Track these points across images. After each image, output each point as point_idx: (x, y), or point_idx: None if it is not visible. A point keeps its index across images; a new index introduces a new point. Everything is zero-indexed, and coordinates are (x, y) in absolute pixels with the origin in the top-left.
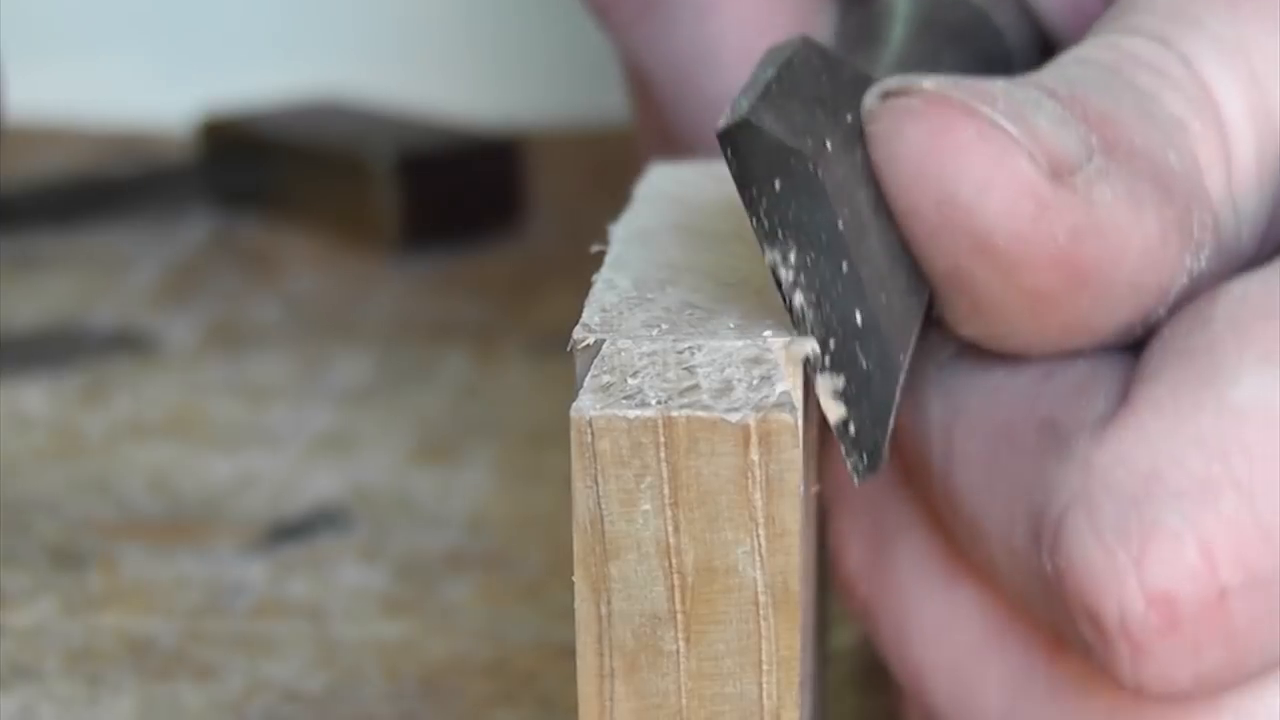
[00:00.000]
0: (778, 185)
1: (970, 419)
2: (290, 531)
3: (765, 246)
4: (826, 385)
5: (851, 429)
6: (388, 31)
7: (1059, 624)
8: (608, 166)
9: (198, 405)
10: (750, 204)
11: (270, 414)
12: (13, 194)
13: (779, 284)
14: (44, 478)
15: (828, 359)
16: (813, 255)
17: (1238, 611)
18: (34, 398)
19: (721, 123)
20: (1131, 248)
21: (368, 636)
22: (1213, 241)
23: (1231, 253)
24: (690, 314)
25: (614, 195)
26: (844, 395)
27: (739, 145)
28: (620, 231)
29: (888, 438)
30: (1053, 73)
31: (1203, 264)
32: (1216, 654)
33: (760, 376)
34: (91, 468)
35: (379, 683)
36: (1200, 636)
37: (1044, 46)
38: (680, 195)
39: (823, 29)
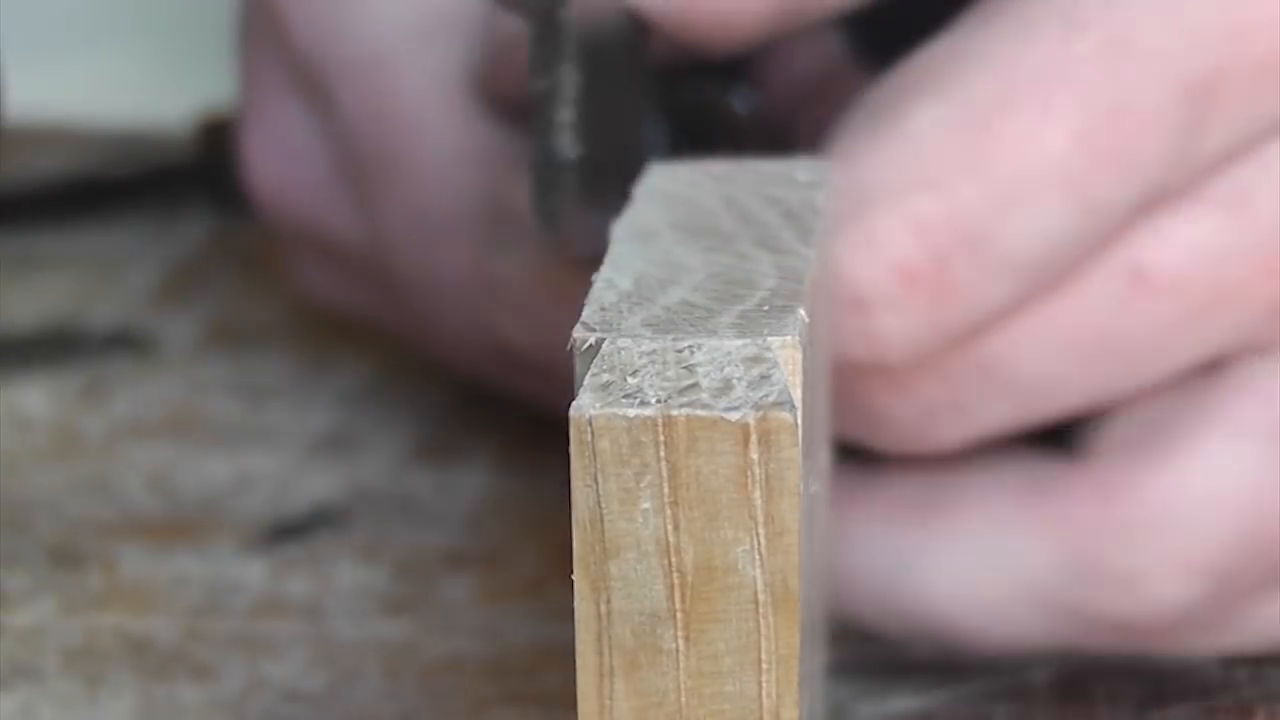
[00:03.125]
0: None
1: None
2: (289, 531)
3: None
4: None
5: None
6: None
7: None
8: None
9: (197, 405)
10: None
11: (270, 414)
12: (13, 194)
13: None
14: (44, 478)
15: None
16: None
17: (954, 267)
18: (34, 398)
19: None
20: None
21: (367, 636)
22: None
23: None
24: (690, 313)
25: None
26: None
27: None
28: (620, 231)
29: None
30: None
31: None
32: (949, 303)
33: (760, 375)
34: (91, 468)
35: (378, 682)
36: (933, 289)
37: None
38: (680, 195)
39: None
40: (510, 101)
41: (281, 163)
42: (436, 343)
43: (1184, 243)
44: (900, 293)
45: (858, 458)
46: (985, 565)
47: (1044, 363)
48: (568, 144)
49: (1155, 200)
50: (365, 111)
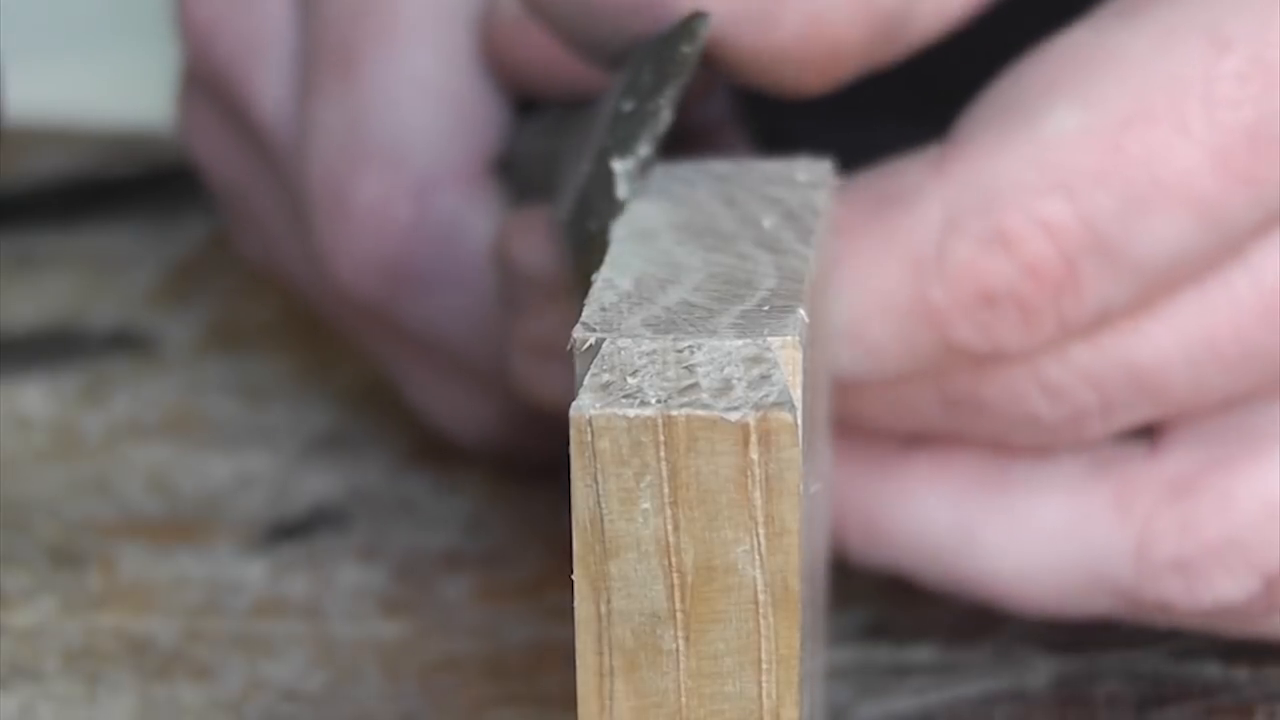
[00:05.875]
0: None
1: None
2: (289, 531)
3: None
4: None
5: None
6: None
7: (944, 363)
8: None
9: (197, 405)
10: None
11: (270, 414)
12: (13, 194)
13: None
14: (44, 478)
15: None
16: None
17: (1081, 271)
18: (34, 398)
19: None
20: None
21: (366, 636)
22: None
23: None
24: (690, 313)
25: None
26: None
27: None
28: (620, 231)
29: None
30: None
31: None
32: (1071, 303)
33: (760, 375)
34: (91, 468)
35: (378, 682)
36: (1059, 289)
37: None
38: (680, 195)
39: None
40: (505, 69)
41: (229, 6)
42: (278, 265)
43: None
44: (1027, 289)
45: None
46: (1054, 542)
47: (1189, 367)
48: (633, 175)
49: None
50: (353, 9)
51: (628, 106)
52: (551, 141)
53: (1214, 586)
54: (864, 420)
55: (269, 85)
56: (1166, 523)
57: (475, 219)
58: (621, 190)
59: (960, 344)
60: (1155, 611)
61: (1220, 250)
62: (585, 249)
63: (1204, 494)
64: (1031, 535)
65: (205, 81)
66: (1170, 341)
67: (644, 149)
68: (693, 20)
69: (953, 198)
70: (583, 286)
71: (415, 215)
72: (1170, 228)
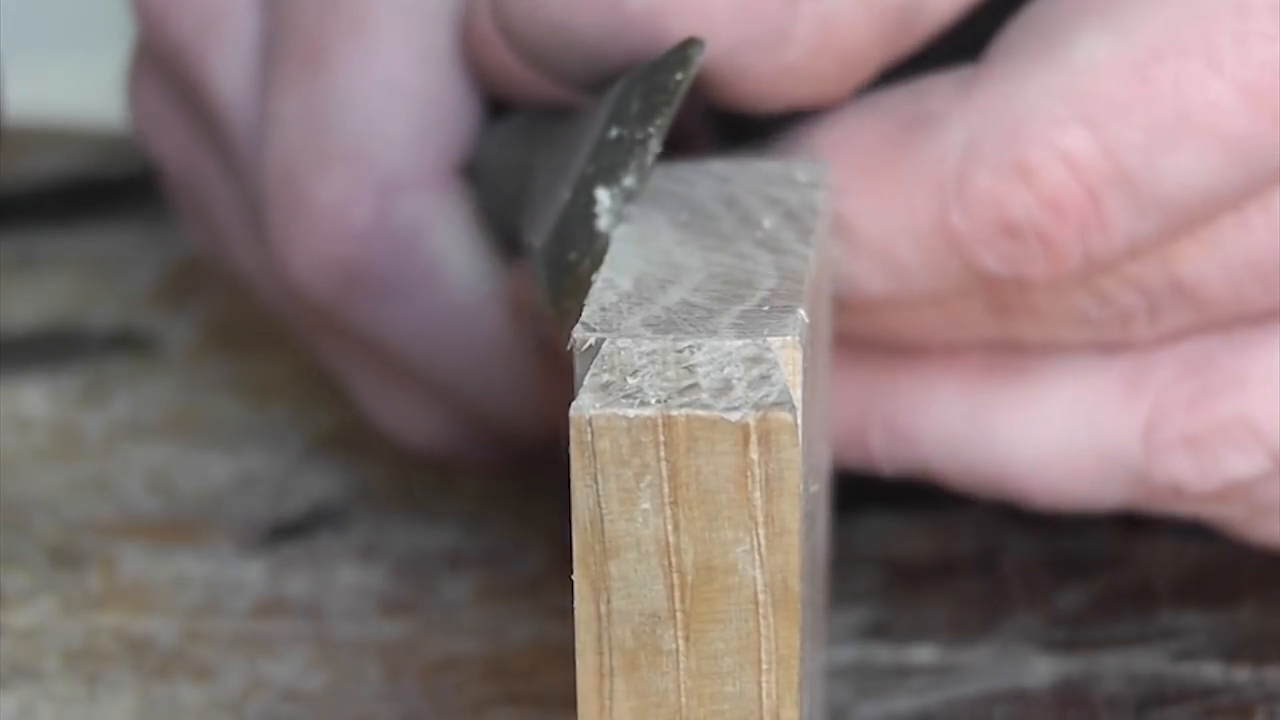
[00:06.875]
0: None
1: (838, 163)
2: (289, 531)
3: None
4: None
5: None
6: None
7: (960, 272)
8: None
9: (198, 405)
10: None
11: (270, 414)
12: (13, 194)
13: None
14: (44, 478)
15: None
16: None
17: (1104, 205)
18: (34, 398)
19: None
20: None
21: (367, 636)
22: None
23: None
24: (690, 313)
25: None
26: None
27: None
28: (620, 231)
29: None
30: None
31: None
32: (1096, 239)
33: (760, 375)
34: (91, 468)
35: (378, 682)
36: (1081, 224)
37: None
38: (680, 195)
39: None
40: (481, 68)
41: None
42: (225, 254)
43: None
44: (1048, 221)
45: None
46: (1065, 426)
47: (1230, 283)
48: (617, 207)
49: None
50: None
51: (613, 134)
52: (524, 151)
53: (1224, 464)
54: (906, 336)
55: (228, 66)
56: (1175, 400)
57: (437, 225)
58: (603, 223)
59: (986, 272)
60: (1169, 496)
61: (1251, 186)
62: (561, 278)
63: (1214, 372)
64: (1044, 421)
65: (159, 57)
66: (1209, 263)
67: (629, 180)
68: (687, 47)
69: (975, 123)
70: (558, 316)
71: (375, 217)
72: (1198, 163)
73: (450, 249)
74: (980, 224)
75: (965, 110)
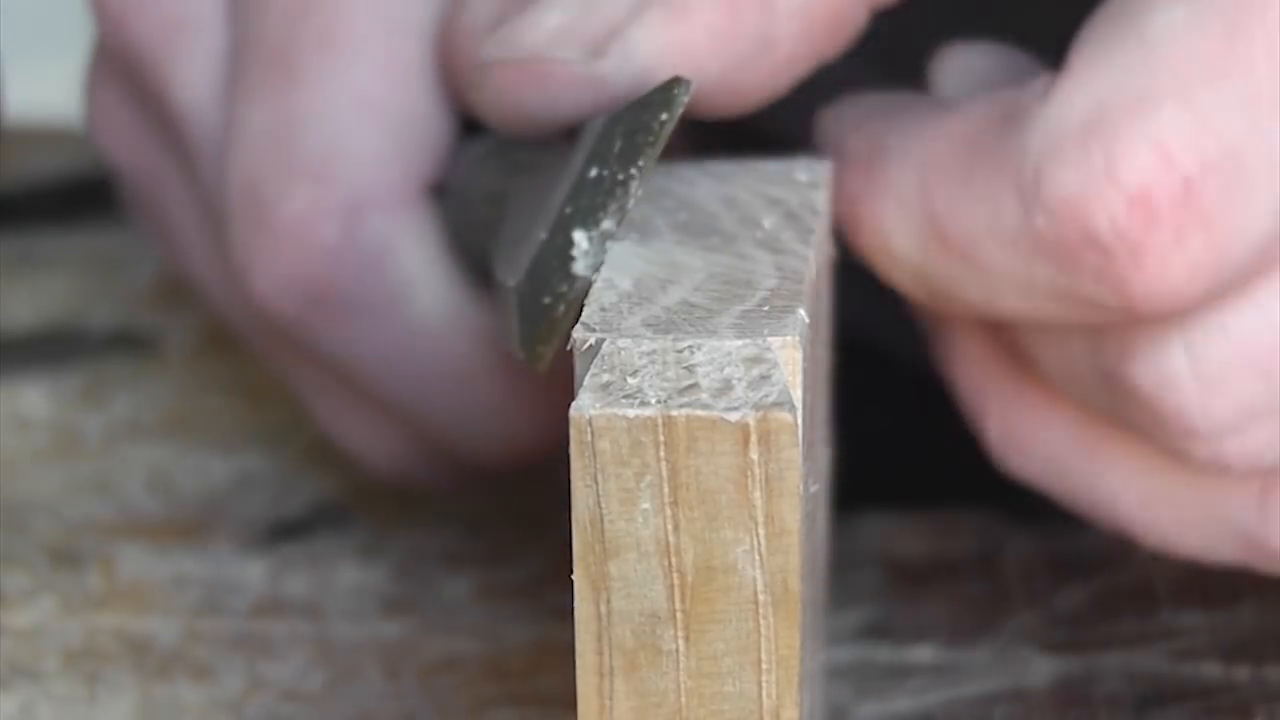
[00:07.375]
0: None
1: (933, 157)
2: (289, 531)
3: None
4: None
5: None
6: None
7: (1058, 288)
8: None
9: (198, 405)
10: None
11: (270, 414)
12: (13, 194)
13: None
14: (44, 478)
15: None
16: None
17: (1204, 195)
18: (34, 398)
19: None
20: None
21: (367, 635)
22: None
23: None
24: (690, 313)
25: None
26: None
27: None
28: (620, 231)
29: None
30: None
31: None
32: (1198, 240)
33: (760, 375)
34: (91, 468)
35: (378, 681)
36: (1179, 223)
37: None
38: (680, 195)
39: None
40: (454, 85)
41: None
42: (182, 265)
43: None
44: (1138, 225)
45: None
46: (1173, 479)
47: None
48: (594, 250)
49: None
50: (297, 7)
51: (593, 173)
52: (498, 176)
53: None
54: (1028, 352)
55: (191, 71)
56: None
57: (405, 245)
58: (580, 266)
59: (1078, 292)
60: None
61: None
62: (536, 323)
63: None
64: (1151, 471)
65: (119, 59)
66: None
67: (608, 222)
68: (673, 87)
69: (1053, 114)
70: (530, 360)
71: (341, 236)
72: None
73: (417, 270)
74: (1062, 227)
75: (1045, 104)
